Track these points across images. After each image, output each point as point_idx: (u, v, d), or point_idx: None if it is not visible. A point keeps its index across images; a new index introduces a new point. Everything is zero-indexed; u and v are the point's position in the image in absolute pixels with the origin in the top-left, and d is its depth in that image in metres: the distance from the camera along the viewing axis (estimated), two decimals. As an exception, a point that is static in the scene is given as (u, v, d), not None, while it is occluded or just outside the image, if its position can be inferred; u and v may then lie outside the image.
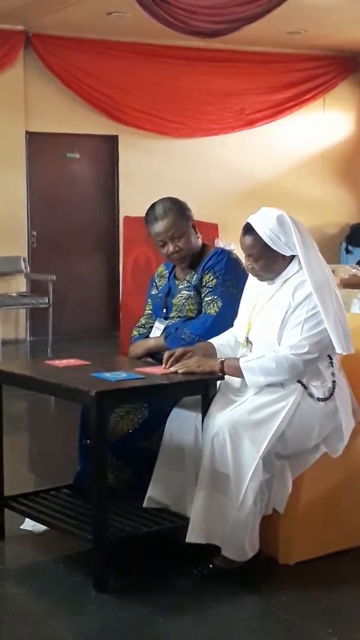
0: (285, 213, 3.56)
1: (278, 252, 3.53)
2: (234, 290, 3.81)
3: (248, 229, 3.55)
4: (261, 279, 3.63)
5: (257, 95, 10.56)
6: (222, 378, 3.56)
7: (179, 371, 3.57)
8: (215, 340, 3.73)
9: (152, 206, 3.97)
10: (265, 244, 3.51)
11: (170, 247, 3.91)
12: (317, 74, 10.91)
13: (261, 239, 3.51)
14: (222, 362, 3.55)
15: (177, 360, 3.62)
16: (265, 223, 3.52)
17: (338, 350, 3.47)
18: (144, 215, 4.00)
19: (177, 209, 3.93)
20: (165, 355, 3.68)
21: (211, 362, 3.57)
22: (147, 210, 3.98)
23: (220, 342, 3.73)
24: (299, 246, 3.51)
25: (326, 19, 9.00)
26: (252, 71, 10.48)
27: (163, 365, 3.65)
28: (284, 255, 3.55)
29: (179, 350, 3.67)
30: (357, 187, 11.50)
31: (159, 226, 3.91)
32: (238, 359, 3.53)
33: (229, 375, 3.55)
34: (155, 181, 9.55)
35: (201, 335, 3.80)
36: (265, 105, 10.64)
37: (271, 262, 3.55)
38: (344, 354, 3.53)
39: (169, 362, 3.63)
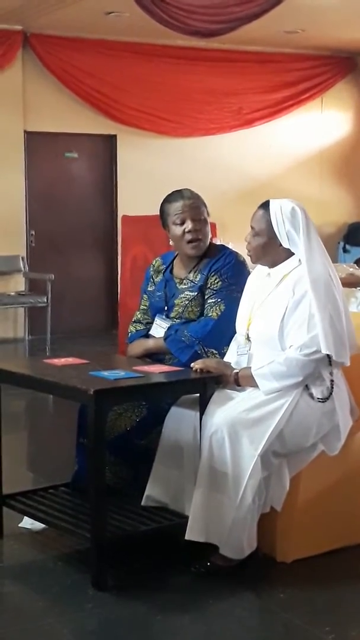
0: (304, 210, 3.60)
1: (276, 238, 3.56)
2: (238, 294, 3.79)
3: (264, 205, 3.62)
4: (251, 257, 3.68)
5: (255, 94, 10.57)
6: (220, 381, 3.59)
7: (196, 367, 3.59)
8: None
9: (177, 190, 3.97)
10: (270, 223, 3.55)
11: (190, 225, 3.86)
12: (315, 74, 10.91)
13: (269, 217, 3.56)
14: (236, 374, 3.58)
15: None
16: (280, 206, 3.58)
17: (324, 350, 3.44)
18: (165, 197, 3.97)
19: (202, 200, 3.95)
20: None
21: (228, 371, 3.61)
22: (170, 193, 3.97)
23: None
24: (303, 238, 3.54)
25: (324, 19, 9.01)
26: (250, 71, 10.48)
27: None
28: (280, 245, 3.56)
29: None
30: (354, 187, 11.51)
31: (184, 201, 3.88)
32: (250, 368, 3.55)
33: (244, 385, 3.56)
34: (154, 180, 9.55)
35: (201, 338, 3.79)
36: (263, 105, 10.65)
37: (266, 245, 3.59)
38: (335, 358, 3.50)
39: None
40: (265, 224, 3.58)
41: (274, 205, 3.59)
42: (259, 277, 3.74)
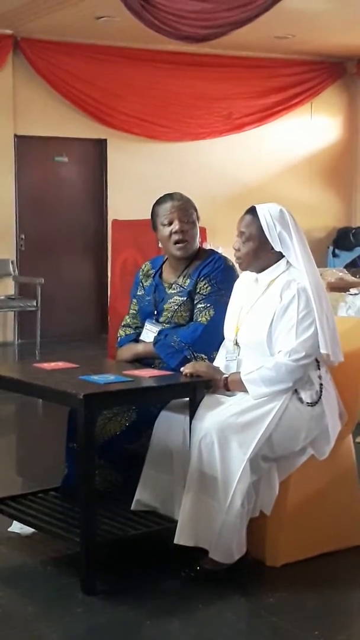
0: (290, 212, 3.63)
1: (268, 242, 3.56)
2: (227, 299, 3.79)
3: (250, 210, 3.62)
4: (241, 264, 3.67)
5: (244, 99, 10.59)
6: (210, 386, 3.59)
7: (186, 371, 3.59)
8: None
9: (168, 193, 3.97)
10: (260, 227, 3.55)
11: (177, 226, 3.85)
12: (305, 79, 10.94)
13: (258, 221, 3.56)
14: (226, 379, 3.58)
15: None
16: (267, 209, 3.59)
17: (322, 350, 3.49)
18: (156, 200, 3.97)
19: (193, 203, 3.96)
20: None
21: (217, 375, 3.61)
22: (162, 196, 3.97)
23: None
24: (297, 242, 3.56)
25: (313, 24, 9.03)
26: (240, 76, 10.50)
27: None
28: (272, 248, 3.57)
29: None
30: (344, 191, 11.54)
31: (172, 203, 3.89)
32: (239, 373, 3.56)
33: (233, 390, 3.56)
34: (144, 185, 9.55)
35: (191, 343, 3.79)
36: (253, 110, 10.67)
37: (258, 250, 3.59)
38: (332, 359, 3.55)
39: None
40: (256, 228, 3.58)
41: (261, 210, 3.59)
42: (246, 282, 3.75)
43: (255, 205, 3.63)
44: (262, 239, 3.58)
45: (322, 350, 3.49)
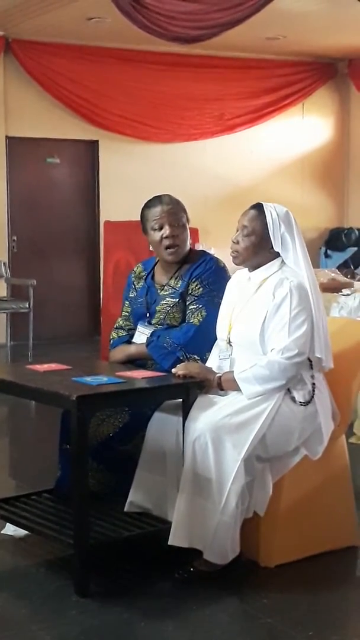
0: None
1: (269, 240, 3.56)
2: (219, 300, 3.79)
3: (256, 206, 3.61)
4: (236, 258, 3.65)
5: (236, 100, 10.60)
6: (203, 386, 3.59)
7: (179, 372, 3.58)
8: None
9: (157, 196, 3.96)
10: (265, 224, 3.55)
11: (168, 231, 3.84)
12: (296, 80, 10.95)
13: (264, 218, 3.55)
14: (219, 378, 3.58)
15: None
16: (274, 208, 3.59)
17: (317, 353, 3.50)
18: (145, 203, 3.96)
19: (182, 206, 3.94)
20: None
21: (210, 376, 3.60)
22: (150, 199, 3.96)
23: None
24: (299, 246, 3.57)
25: (305, 25, 9.04)
26: (232, 77, 10.51)
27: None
28: (271, 247, 3.57)
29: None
30: (336, 192, 11.55)
31: (162, 207, 3.87)
32: (232, 372, 3.56)
33: (227, 389, 3.56)
34: (136, 186, 9.54)
35: (183, 344, 3.79)
36: (245, 111, 10.68)
37: (257, 246, 3.58)
38: (324, 364, 3.56)
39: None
40: (260, 224, 3.57)
41: (268, 207, 3.59)
42: (239, 282, 3.75)
43: (261, 202, 3.63)
44: (264, 236, 3.57)
45: (317, 354, 3.49)
